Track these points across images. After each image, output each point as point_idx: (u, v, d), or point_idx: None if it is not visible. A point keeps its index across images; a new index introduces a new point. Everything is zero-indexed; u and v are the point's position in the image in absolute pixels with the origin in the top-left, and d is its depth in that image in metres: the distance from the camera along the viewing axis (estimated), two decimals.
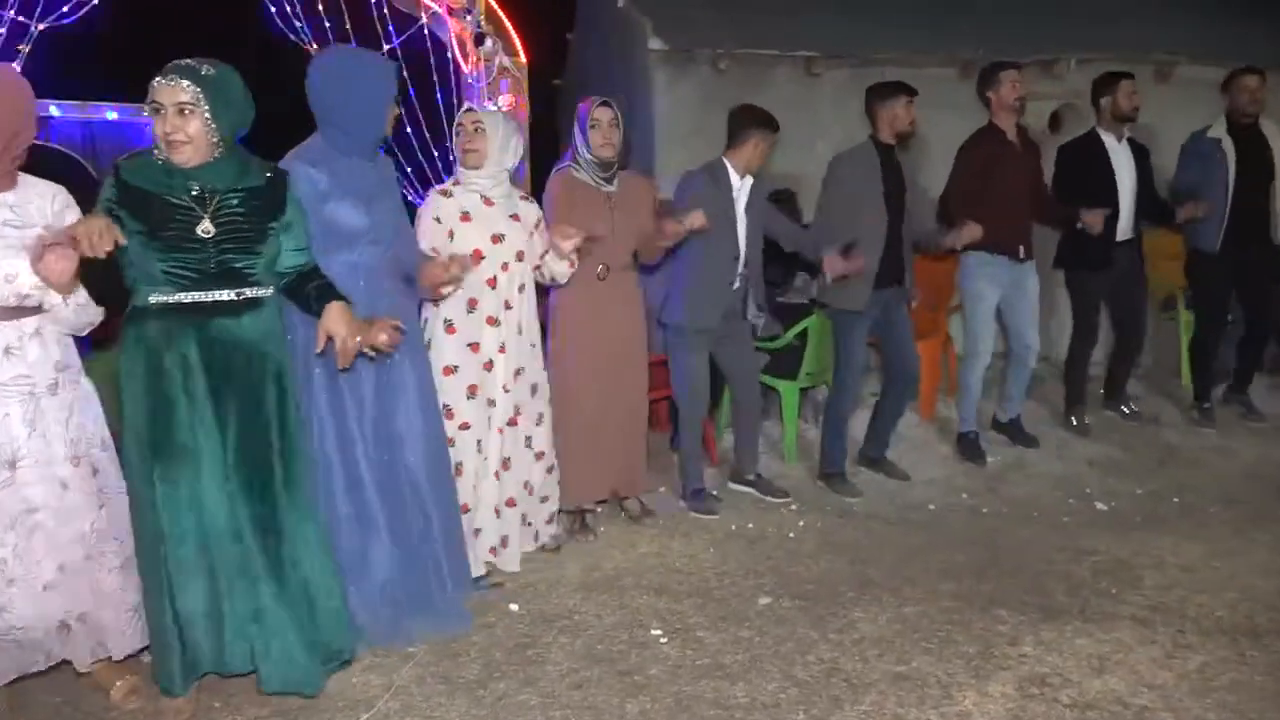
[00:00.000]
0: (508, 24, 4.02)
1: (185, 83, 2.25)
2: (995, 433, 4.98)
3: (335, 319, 2.42)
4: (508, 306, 3.33)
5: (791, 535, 3.94)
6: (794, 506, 4.27)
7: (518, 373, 3.41)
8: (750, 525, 4.04)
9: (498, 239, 3.29)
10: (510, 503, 3.47)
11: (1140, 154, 4.96)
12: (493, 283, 3.29)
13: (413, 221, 3.17)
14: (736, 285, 4.02)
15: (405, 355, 2.91)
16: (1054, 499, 4.37)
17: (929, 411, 5.38)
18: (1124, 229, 4.86)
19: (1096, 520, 4.12)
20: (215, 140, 2.33)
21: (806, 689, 2.74)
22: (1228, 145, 5.03)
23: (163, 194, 2.33)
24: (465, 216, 3.23)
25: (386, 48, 3.79)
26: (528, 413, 3.48)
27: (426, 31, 3.88)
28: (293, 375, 2.55)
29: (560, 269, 3.48)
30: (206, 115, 2.29)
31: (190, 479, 2.38)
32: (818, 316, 4.79)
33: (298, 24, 3.72)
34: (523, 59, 4.11)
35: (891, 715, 2.61)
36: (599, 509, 4.01)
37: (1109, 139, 4.87)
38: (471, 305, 3.26)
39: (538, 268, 3.49)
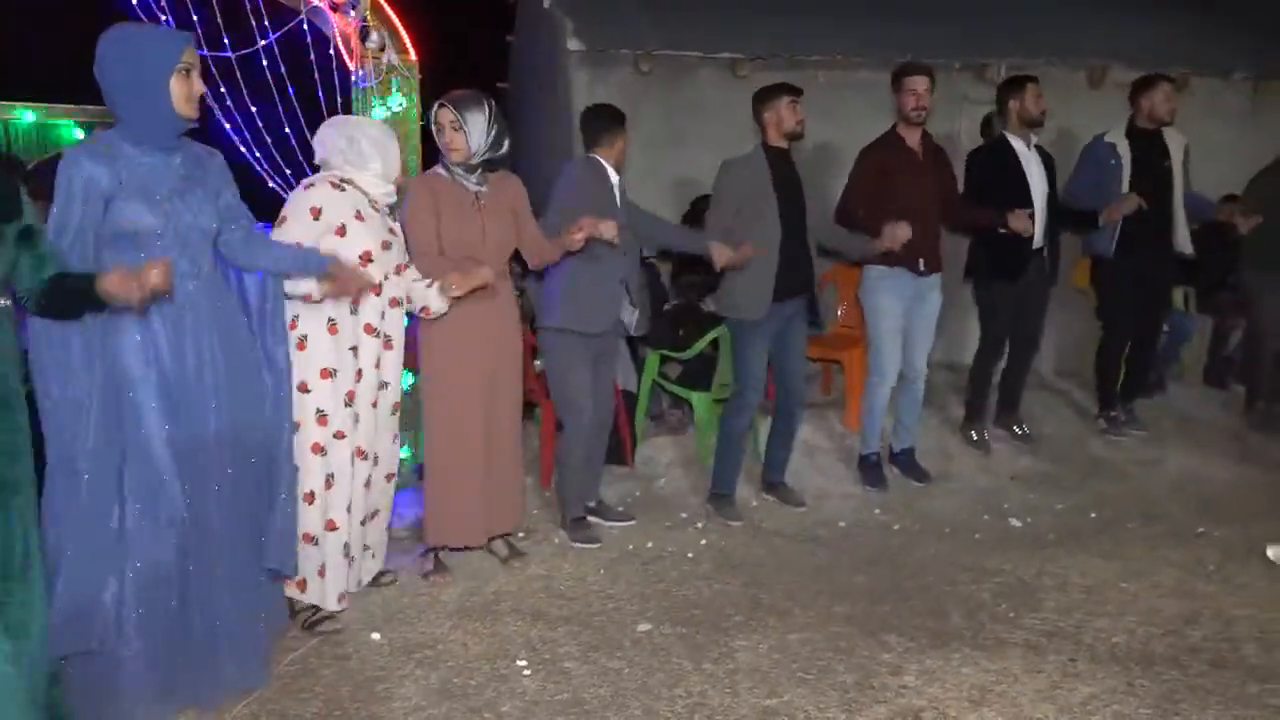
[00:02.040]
0: (395, 20, 3.81)
1: None
2: (891, 465, 4.68)
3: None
4: (383, 317, 3.16)
5: (690, 555, 3.78)
6: (699, 524, 4.11)
7: (383, 386, 3.23)
8: (650, 545, 3.87)
9: (385, 246, 3.13)
10: (374, 516, 3.32)
11: (1048, 160, 4.82)
12: (377, 290, 3.11)
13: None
14: (625, 289, 3.86)
15: (242, 368, 2.71)
16: (970, 515, 4.23)
17: (856, 424, 5.23)
18: (1037, 237, 4.73)
19: (1009, 538, 3.98)
20: None
21: None
22: (1124, 150, 4.89)
23: None
24: (358, 215, 3.05)
25: (262, 43, 3.56)
26: (386, 434, 3.30)
27: (306, 25, 3.67)
28: (20, 399, 2.24)
29: (435, 301, 3.23)
30: None
31: None
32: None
33: (163, 18, 3.52)
34: (412, 57, 3.90)
35: None
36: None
37: (1019, 144, 4.72)
38: (354, 307, 3.08)
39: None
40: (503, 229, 3.46)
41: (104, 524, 2.43)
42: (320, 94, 3.83)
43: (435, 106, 3.36)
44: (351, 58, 3.81)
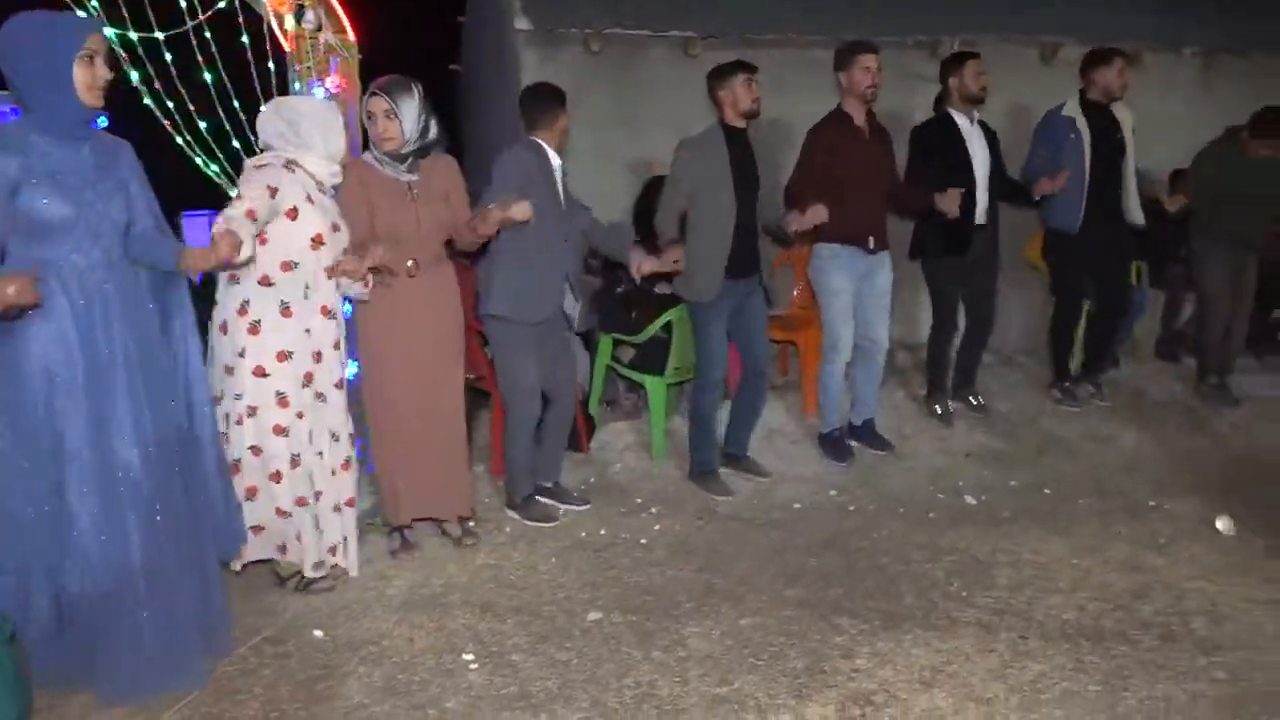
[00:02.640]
0: None
1: None
2: (850, 440, 4.67)
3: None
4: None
5: (644, 541, 3.73)
6: (653, 509, 4.06)
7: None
8: (603, 532, 3.82)
9: (335, 228, 3.08)
10: (350, 502, 3.25)
11: (991, 136, 4.80)
12: (330, 272, 3.07)
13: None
14: (568, 267, 3.80)
15: (154, 360, 2.61)
16: (925, 493, 4.22)
17: (812, 406, 5.20)
18: (980, 212, 4.70)
19: (963, 515, 3.97)
20: None
21: (612, 719, 2.52)
22: (1082, 124, 4.89)
23: None
24: (310, 199, 3.00)
25: (191, 23, 3.44)
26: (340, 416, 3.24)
27: (239, 4, 3.55)
28: None
29: (356, 290, 3.23)
30: None
31: None
32: (685, 308, 4.58)
33: (91, 1, 3.38)
34: (351, 36, 3.78)
35: None
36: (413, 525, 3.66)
37: (961, 120, 4.70)
38: (306, 290, 3.03)
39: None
40: (437, 215, 3.40)
41: (21, 517, 2.37)
42: (254, 75, 3.70)
43: (366, 95, 3.29)
44: (286, 38, 3.69)
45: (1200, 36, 6.23)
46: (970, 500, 4.13)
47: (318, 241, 3.01)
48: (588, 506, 4.01)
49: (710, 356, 4.11)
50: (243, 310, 2.97)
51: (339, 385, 3.16)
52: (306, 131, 3.02)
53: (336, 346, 3.13)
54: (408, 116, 3.23)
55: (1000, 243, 4.97)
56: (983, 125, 4.77)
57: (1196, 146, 5.86)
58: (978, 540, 3.67)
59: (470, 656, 2.84)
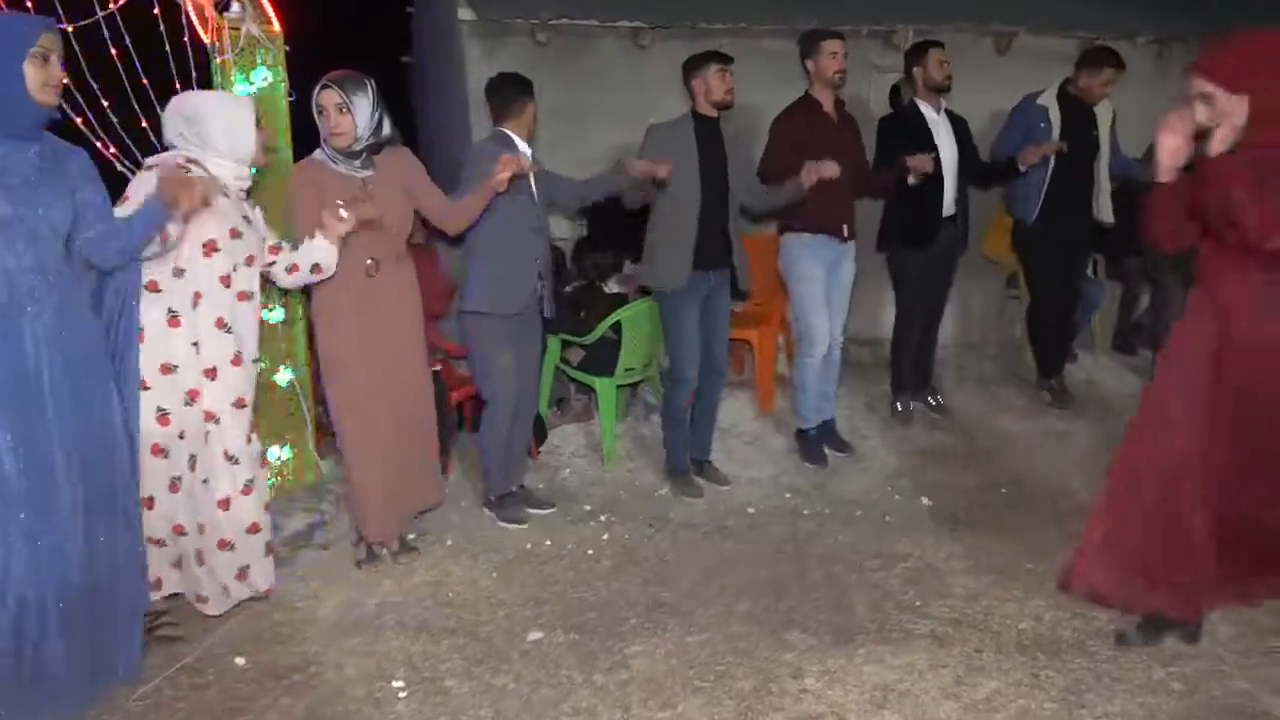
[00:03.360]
0: None
1: None
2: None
3: None
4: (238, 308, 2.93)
5: (590, 552, 3.60)
6: (603, 517, 3.92)
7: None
8: (548, 543, 3.68)
9: (235, 234, 2.87)
10: (253, 528, 2.97)
11: (959, 124, 4.70)
12: (226, 281, 2.86)
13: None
14: (540, 267, 3.73)
15: (86, 371, 2.48)
16: (881, 495, 4.13)
17: (768, 404, 5.10)
18: (948, 203, 4.62)
19: (919, 519, 3.87)
20: None
21: None
22: (1055, 115, 4.83)
23: None
24: (204, 202, 2.75)
25: (101, 13, 3.24)
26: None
27: None
28: None
29: (325, 255, 3.06)
30: None
31: None
32: (635, 307, 4.45)
33: None
34: (276, 27, 3.60)
35: None
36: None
37: (928, 110, 4.61)
38: (196, 299, 2.80)
39: (272, 265, 3.07)
40: (396, 210, 3.27)
41: None
42: (172, 68, 3.50)
43: (318, 88, 3.14)
44: (206, 29, 3.49)
45: (1154, 25, 6.17)
46: (926, 502, 4.04)
47: (210, 249, 2.80)
48: (554, 509, 3.92)
49: (681, 350, 4.01)
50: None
51: (240, 404, 2.91)
52: (209, 131, 2.82)
53: (237, 362, 2.89)
54: (361, 111, 3.11)
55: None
56: (950, 114, 4.69)
57: (1151, 135, 5.83)
58: (933, 545, 3.58)
59: (401, 684, 2.70)
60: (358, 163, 3.20)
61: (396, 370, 3.34)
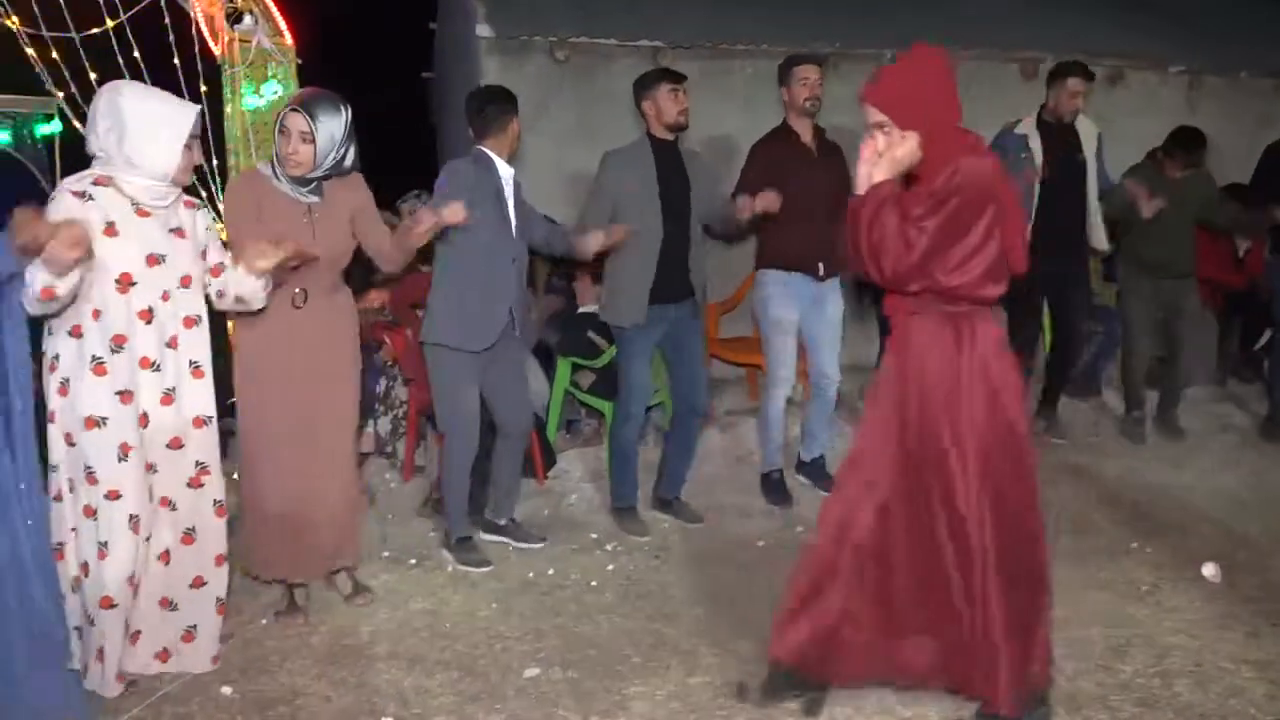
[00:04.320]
0: (268, 1, 3.46)
1: None
2: (799, 475, 4.39)
3: None
4: (172, 345, 2.65)
5: (594, 584, 3.49)
6: (609, 547, 3.82)
7: (205, 421, 2.76)
8: (551, 572, 3.58)
9: (155, 260, 2.58)
10: (197, 582, 2.76)
11: None
12: (147, 316, 2.57)
13: None
14: (514, 294, 3.52)
15: None
16: None
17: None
18: None
19: None
20: None
21: None
22: (1035, 144, 4.63)
23: None
24: (110, 229, 2.50)
25: (111, 23, 3.20)
26: (214, 469, 2.81)
27: (165, 4, 3.31)
28: None
29: (250, 287, 2.77)
30: None
31: None
32: None
33: None
34: (288, 40, 3.55)
35: None
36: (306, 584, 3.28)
37: None
38: (118, 343, 2.54)
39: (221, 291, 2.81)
40: (338, 240, 3.05)
41: None
42: (182, 80, 3.45)
43: (286, 108, 2.94)
44: (216, 40, 3.45)
45: (1186, 55, 6.06)
46: None
47: (126, 282, 2.52)
48: (544, 544, 3.76)
49: (631, 387, 3.83)
50: (53, 366, 2.56)
51: (175, 445, 2.67)
52: (130, 135, 2.51)
53: (169, 400, 2.64)
54: (325, 140, 2.88)
55: None
56: None
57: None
58: None
59: (389, 719, 2.59)
60: (306, 189, 2.98)
61: (319, 409, 3.05)
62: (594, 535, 3.93)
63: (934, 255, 2.25)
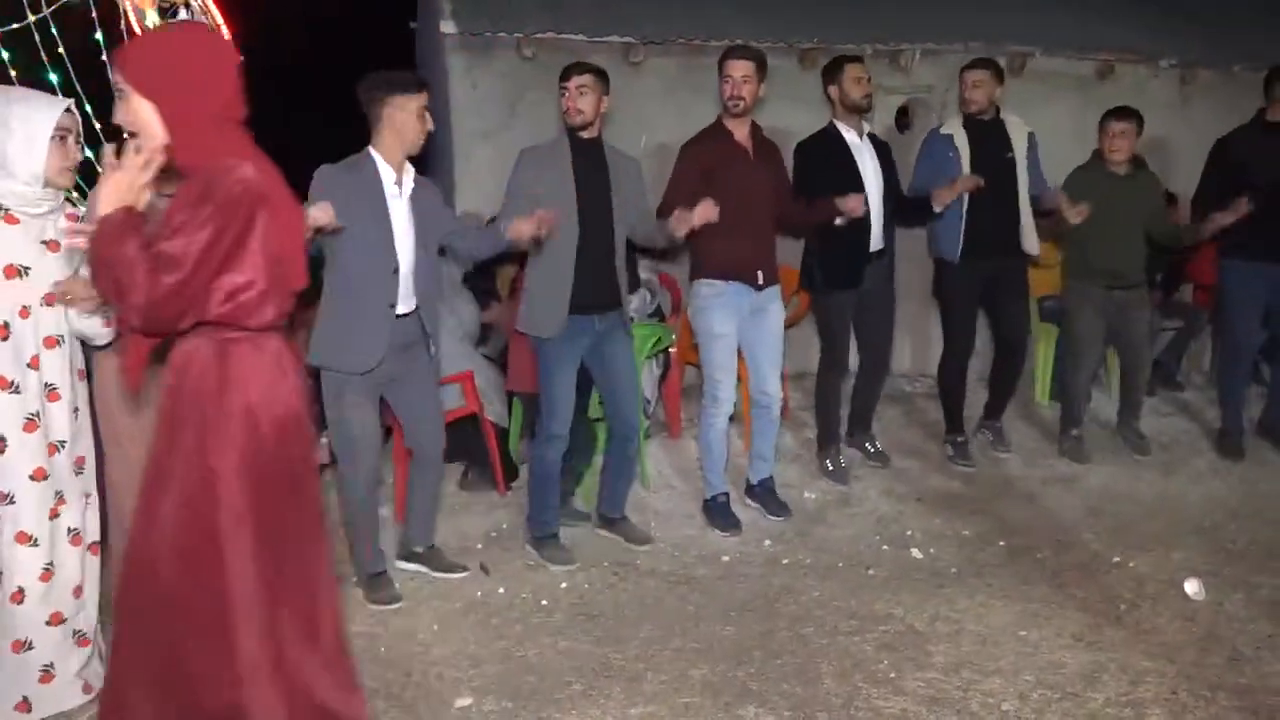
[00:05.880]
0: None
1: None
2: (747, 499, 4.11)
3: None
4: (33, 366, 2.44)
5: (545, 603, 3.33)
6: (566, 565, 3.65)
7: (58, 447, 2.52)
8: (501, 590, 3.42)
9: (15, 272, 2.38)
10: (55, 619, 2.52)
11: (883, 150, 4.31)
12: (3, 333, 2.38)
13: None
14: (402, 309, 3.17)
15: None
16: (868, 545, 3.83)
17: (748, 442, 4.81)
18: (875, 238, 4.22)
19: (906, 572, 3.58)
20: None
21: None
22: (961, 142, 4.41)
23: None
24: None
25: (33, 17, 3.05)
26: (73, 498, 2.56)
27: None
28: None
29: (86, 324, 2.52)
30: None
31: None
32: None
33: None
34: (225, 35, 3.40)
35: None
36: None
37: (849, 134, 4.20)
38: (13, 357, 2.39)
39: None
40: None
41: None
42: (111, 76, 3.30)
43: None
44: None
45: (1178, 49, 5.87)
46: (916, 554, 3.74)
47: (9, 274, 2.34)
48: (466, 574, 3.50)
49: (552, 404, 3.54)
50: None
51: (38, 475, 2.47)
52: (11, 149, 2.35)
53: (30, 428, 2.43)
54: None
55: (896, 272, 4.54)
56: (873, 139, 4.31)
57: (1175, 166, 5.53)
58: (917, 605, 3.28)
59: None
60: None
61: None
62: None
63: (193, 280, 1.84)
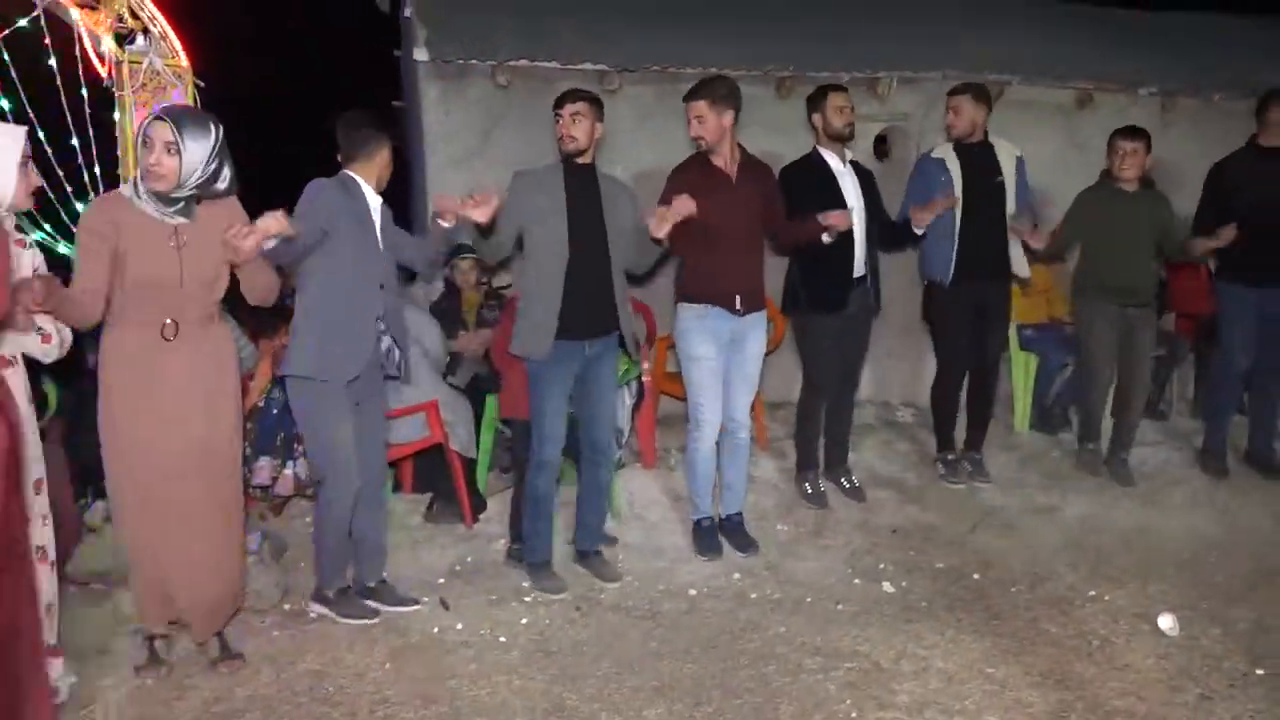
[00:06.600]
0: (160, 18, 3.29)
1: None
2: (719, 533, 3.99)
3: None
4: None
5: (503, 640, 3.24)
6: (528, 599, 3.57)
7: None
8: (459, 626, 3.33)
9: None
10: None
11: (865, 177, 4.33)
12: None
13: None
14: (382, 326, 3.26)
15: None
16: (839, 578, 3.75)
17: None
18: (858, 264, 4.23)
19: (875, 607, 3.49)
20: None
21: None
22: (953, 165, 4.43)
23: None
24: None
25: None
26: (36, 518, 2.61)
27: (44, 22, 3.13)
28: None
29: (27, 344, 2.58)
30: None
31: None
32: None
33: None
34: (184, 61, 3.37)
35: None
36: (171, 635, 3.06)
37: (832, 160, 4.22)
38: None
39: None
40: (207, 266, 2.81)
41: None
42: (64, 102, 3.27)
43: (150, 118, 2.73)
44: (103, 62, 3.27)
45: (1157, 77, 5.86)
46: (888, 588, 3.66)
47: None
48: (418, 606, 3.43)
49: (542, 431, 3.53)
50: None
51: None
52: None
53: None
54: (192, 156, 2.68)
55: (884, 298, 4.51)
56: (855, 166, 4.32)
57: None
58: (884, 640, 3.20)
59: None
60: (171, 209, 2.75)
61: (195, 449, 2.82)
62: (515, 584, 3.67)
63: None
